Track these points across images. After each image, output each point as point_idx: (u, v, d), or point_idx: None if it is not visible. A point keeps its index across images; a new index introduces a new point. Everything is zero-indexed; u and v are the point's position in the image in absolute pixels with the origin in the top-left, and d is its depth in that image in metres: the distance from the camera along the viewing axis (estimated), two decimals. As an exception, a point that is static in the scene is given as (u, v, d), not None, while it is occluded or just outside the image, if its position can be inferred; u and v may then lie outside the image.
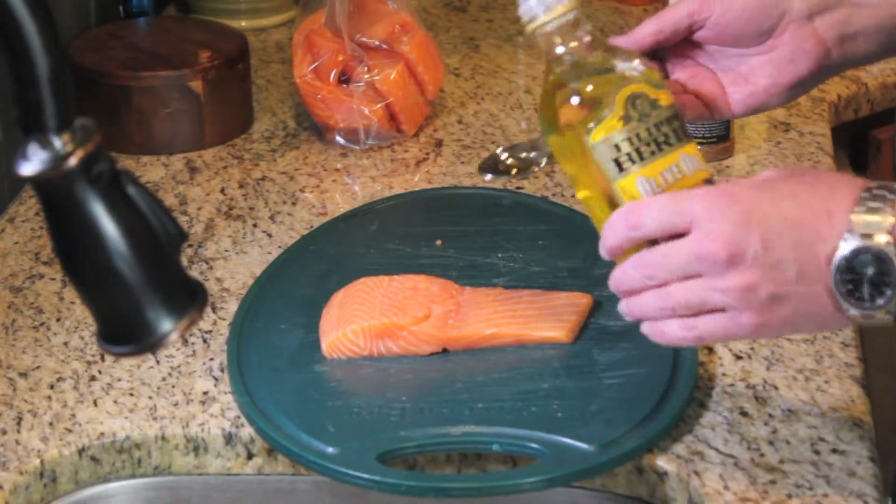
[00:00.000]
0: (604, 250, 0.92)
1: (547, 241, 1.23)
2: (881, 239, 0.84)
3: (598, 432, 0.98)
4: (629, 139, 0.91)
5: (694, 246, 0.87)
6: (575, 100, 0.92)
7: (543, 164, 1.23)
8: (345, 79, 1.45)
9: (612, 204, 0.92)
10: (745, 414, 1.03)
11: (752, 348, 1.10)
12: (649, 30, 1.06)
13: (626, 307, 0.93)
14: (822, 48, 1.05)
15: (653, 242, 0.89)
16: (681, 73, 1.09)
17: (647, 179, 0.91)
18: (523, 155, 1.31)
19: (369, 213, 1.31)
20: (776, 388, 1.05)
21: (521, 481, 0.96)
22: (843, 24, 1.06)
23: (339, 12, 1.44)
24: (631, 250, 0.91)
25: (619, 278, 0.92)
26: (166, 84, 1.44)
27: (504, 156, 1.26)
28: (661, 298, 0.89)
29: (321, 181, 1.40)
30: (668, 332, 0.91)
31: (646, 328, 0.92)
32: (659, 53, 1.08)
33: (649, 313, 0.91)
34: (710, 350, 1.10)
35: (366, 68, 1.44)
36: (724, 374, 1.07)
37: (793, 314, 0.87)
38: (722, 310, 0.88)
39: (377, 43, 1.46)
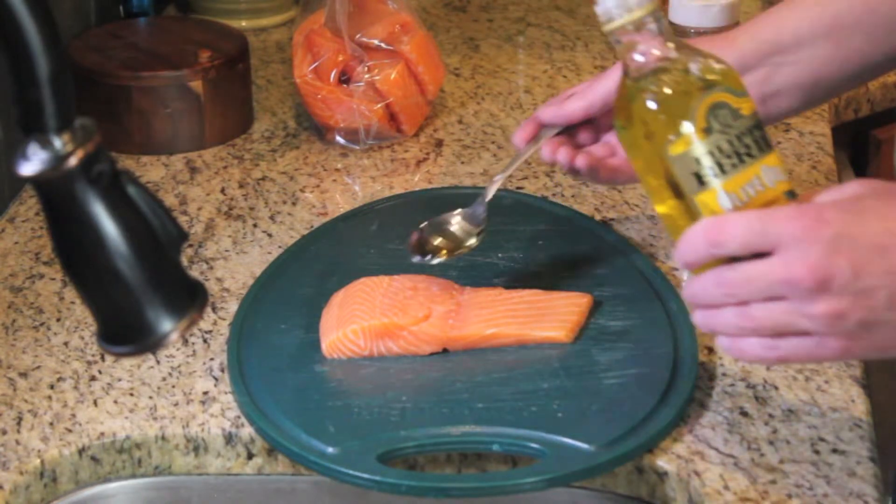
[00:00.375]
0: (681, 263, 0.89)
1: (547, 241, 1.23)
2: None
3: (598, 432, 0.98)
4: (710, 152, 0.87)
5: (779, 270, 0.84)
6: (653, 107, 0.89)
7: (474, 242, 1.15)
8: (345, 79, 1.45)
9: (691, 216, 0.89)
10: (745, 414, 1.03)
11: (752, 348, 1.10)
12: (579, 105, 1.11)
13: (702, 319, 0.90)
14: None
15: (733, 259, 0.86)
16: (612, 135, 1.13)
17: (728, 194, 0.87)
18: (454, 229, 1.15)
19: (369, 213, 1.31)
20: (776, 388, 1.05)
21: (521, 481, 0.96)
22: (766, 83, 1.09)
23: (339, 12, 1.44)
24: (709, 265, 0.88)
25: (697, 292, 0.89)
26: (166, 84, 1.44)
27: (432, 235, 1.15)
28: (741, 317, 0.87)
29: (321, 181, 1.40)
30: (748, 350, 0.88)
31: (723, 342, 0.90)
32: (590, 119, 1.12)
33: (728, 329, 0.88)
34: (710, 350, 1.10)
35: (366, 68, 1.44)
36: (724, 374, 1.07)
37: (881, 340, 0.85)
38: (807, 333, 0.86)
39: (377, 43, 1.46)
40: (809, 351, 0.86)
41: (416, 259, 1.11)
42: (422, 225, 1.14)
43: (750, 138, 0.88)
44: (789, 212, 0.85)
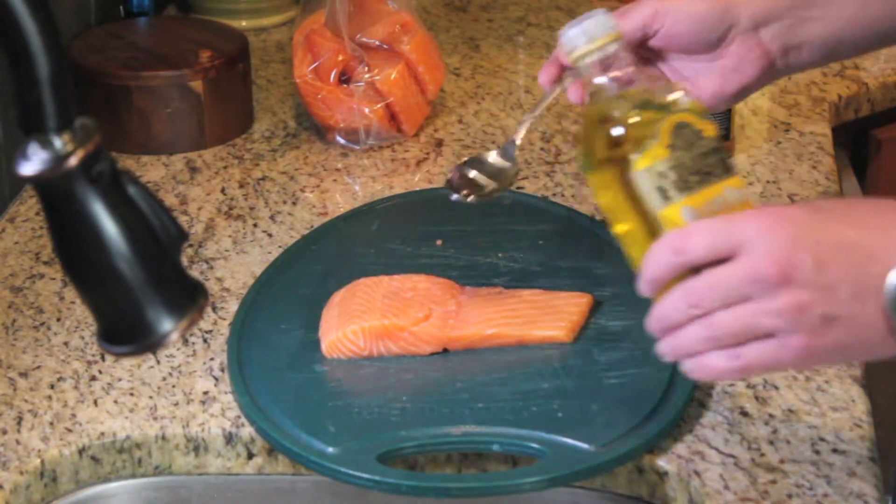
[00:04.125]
0: (644, 283, 0.89)
1: (547, 241, 1.23)
2: None
3: (598, 432, 0.98)
4: (675, 167, 0.88)
5: (744, 267, 0.84)
6: (618, 131, 0.89)
7: (509, 179, 1.12)
8: (345, 79, 1.45)
9: (654, 237, 0.89)
10: (745, 414, 1.03)
11: (752, 348, 1.10)
12: None
13: (668, 345, 0.89)
14: (767, 58, 1.08)
15: (695, 272, 0.86)
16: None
17: (692, 209, 0.87)
18: (493, 160, 1.15)
19: (369, 213, 1.31)
20: (776, 388, 1.05)
21: (521, 481, 0.96)
22: (789, 35, 1.08)
23: (339, 12, 1.44)
24: (670, 284, 0.87)
25: (661, 313, 0.88)
26: (166, 84, 1.44)
27: (472, 172, 1.15)
28: (705, 328, 0.86)
29: (321, 181, 1.41)
30: (713, 364, 0.87)
31: (687, 364, 0.89)
32: None
33: (693, 346, 0.87)
34: (711, 350, 1.10)
35: (366, 68, 1.44)
36: (724, 374, 1.07)
37: (844, 337, 0.84)
38: (771, 335, 0.85)
39: (377, 43, 1.46)
40: (773, 353, 0.85)
41: (455, 197, 1.11)
42: (463, 160, 1.14)
43: (714, 159, 0.89)
44: (753, 212, 0.86)
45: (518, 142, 1.13)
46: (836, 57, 1.13)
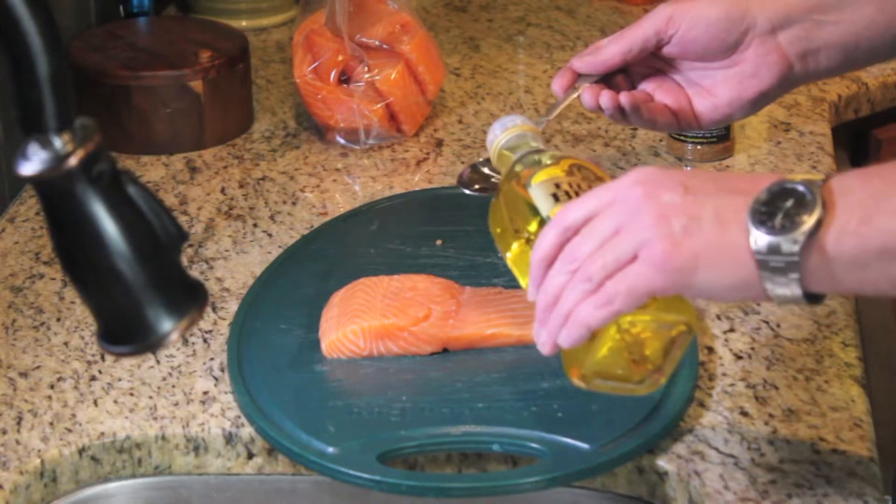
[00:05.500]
0: (533, 266, 0.90)
1: (547, 241, 1.22)
2: (801, 187, 0.82)
3: (598, 432, 0.98)
4: (570, 183, 0.95)
5: (612, 200, 0.86)
6: (519, 167, 1.00)
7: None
8: (345, 79, 1.45)
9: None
10: (745, 414, 1.03)
11: (752, 348, 1.10)
12: (617, 49, 1.09)
13: (541, 322, 0.90)
14: (786, 63, 1.07)
15: None
16: (647, 83, 1.12)
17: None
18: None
19: (369, 213, 1.31)
20: (776, 388, 1.05)
21: (521, 481, 0.96)
22: (807, 39, 1.08)
23: (339, 12, 1.44)
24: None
25: (546, 286, 0.89)
26: (166, 84, 1.44)
27: (486, 168, 1.17)
28: (577, 279, 0.86)
29: (321, 181, 1.41)
30: (583, 314, 0.86)
31: (563, 334, 0.88)
32: (625, 66, 1.11)
33: (568, 305, 0.87)
34: (711, 350, 1.10)
35: (366, 68, 1.44)
36: (724, 374, 1.07)
37: (703, 251, 0.83)
38: (632, 260, 0.85)
39: (377, 43, 1.46)
40: (637, 273, 0.84)
41: (468, 191, 1.14)
42: (478, 161, 1.16)
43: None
44: (628, 175, 0.88)
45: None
46: (854, 64, 1.12)
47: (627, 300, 0.85)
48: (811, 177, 0.82)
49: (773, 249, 0.81)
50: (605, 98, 1.09)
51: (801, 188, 0.82)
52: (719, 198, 0.84)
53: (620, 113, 1.10)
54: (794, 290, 0.82)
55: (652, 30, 1.07)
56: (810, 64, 1.08)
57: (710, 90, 1.09)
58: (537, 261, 0.89)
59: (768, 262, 0.81)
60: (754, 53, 1.07)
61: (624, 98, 1.09)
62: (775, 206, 0.81)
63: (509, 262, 0.99)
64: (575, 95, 1.11)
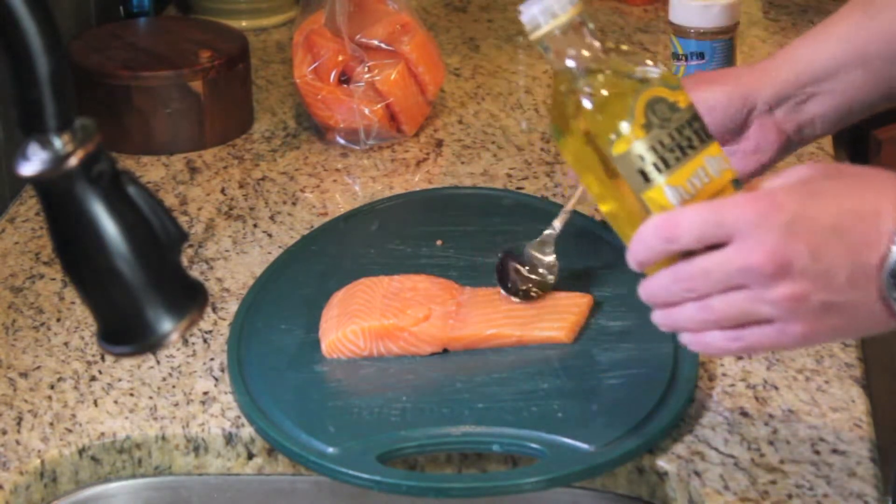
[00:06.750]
0: (633, 263, 0.89)
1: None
2: None
3: (598, 432, 0.98)
4: (653, 147, 0.86)
5: (737, 259, 0.84)
6: (591, 111, 0.87)
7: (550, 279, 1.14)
8: (345, 79, 1.45)
9: (640, 214, 0.88)
10: (745, 414, 1.03)
11: (752, 348, 1.10)
12: None
13: (662, 318, 0.89)
14: (783, 137, 1.12)
15: (688, 252, 0.86)
16: None
17: (674, 188, 0.86)
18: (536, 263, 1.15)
19: (369, 213, 1.31)
20: (776, 388, 1.05)
21: (521, 481, 0.96)
22: (802, 111, 1.11)
23: (339, 12, 1.44)
24: (662, 262, 0.87)
25: (655, 291, 0.89)
26: (166, 84, 1.44)
27: (525, 269, 1.14)
28: (702, 311, 0.86)
29: (321, 181, 1.40)
30: (712, 343, 0.88)
31: (686, 338, 0.89)
32: None
33: (689, 325, 0.88)
34: (711, 350, 1.10)
35: (366, 68, 1.44)
36: (724, 374, 1.07)
37: (842, 321, 0.84)
38: (769, 321, 0.85)
39: (377, 43, 1.46)
40: (773, 338, 0.86)
41: (504, 293, 1.12)
42: (506, 250, 1.15)
43: (690, 130, 0.88)
44: (742, 199, 0.85)
45: (556, 234, 1.16)
46: (850, 121, 1.15)
47: (760, 351, 0.92)
48: None
49: None
50: None
51: None
52: (850, 257, 0.83)
53: None
54: None
55: None
56: (806, 132, 1.12)
57: None
58: (637, 262, 0.88)
59: None
60: (755, 132, 1.11)
61: None
62: None
63: (564, 151, 0.92)
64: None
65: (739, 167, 1.10)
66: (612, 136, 0.87)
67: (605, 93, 0.88)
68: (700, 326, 0.87)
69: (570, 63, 0.89)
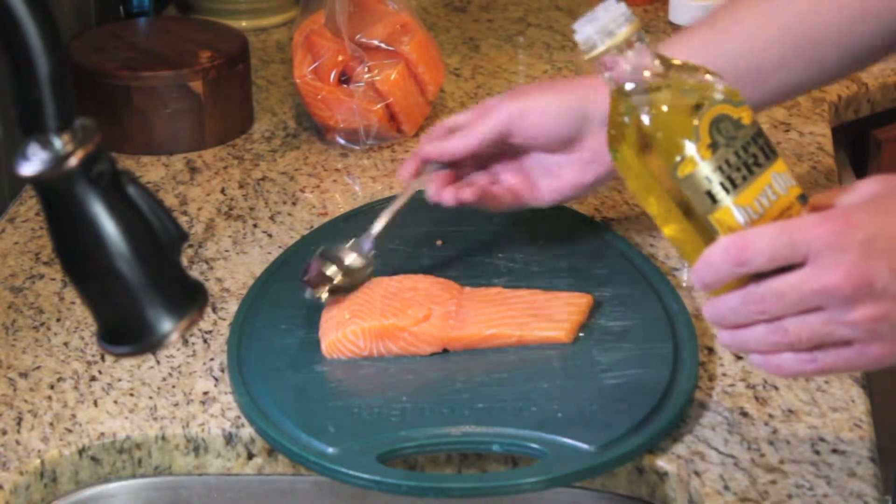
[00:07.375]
0: (700, 285, 0.86)
1: (547, 241, 1.23)
2: None
3: (598, 432, 0.98)
4: (720, 168, 0.84)
5: (814, 280, 0.81)
6: (653, 132, 0.85)
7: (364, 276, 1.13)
8: (345, 79, 1.45)
9: (706, 235, 0.85)
10: (745, 414, 1.03)
11: (752, 348, 1.10)
12: (462, 144, 1.15)
13: (730, 339, 0.87)
14: None
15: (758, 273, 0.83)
16: (495, 164, 1.18)
17: (743, 208, 0.84)
18: (349, 261, 1.13)
19: (369, 213, 1.30)
20: (776, 388, 1.05)
21: (521, 481, 0.96)
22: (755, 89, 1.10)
23: (339, 12, 1.44)
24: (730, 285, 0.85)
25: (722, 312, 0.86)
26: (166, 84, 1.44)
27: (326, 265, 1.12)
28: (775, 333, 0.84)
29: (321, 181, 1.40)
30: (785, 365, 0.86)
31: (756, 360, 0.87)
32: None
33: (761, 347, 0.86)
34: (710, 350, 1.10)
35: (366, 68, 1.44)
36: (724, 374, 1.07)
37: None
38: (846, 342, 0.83)
39: (377, 43, 1.46)
40: (850, 360, 0.84)
41: (308, 294, 1.11)
42: (317, 252, 1.13)
43: (755, 147, 0.85)
44: (816, 219, 0.82)
45: (374, 236, 1.15)
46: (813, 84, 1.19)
47: (835, 371, 0.90)
48: None
49: None
50: (448, 195, 1.15)
51: None
52: None
53: (463, 204, 1.16)
54: None
55: (496, 127, 1.13)
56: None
57: (554, 172, 1.15)
58: (705, 284, 0.86)
59: None
60: (591, 143, 1.13)
61: (467, 193, 1.15)
62: None
63: (617, 162, 0.88)
64: (420, 184, 1.15)
65: (579, 176, 1.14)
66: (678, 158, 0.85)
67: (667, 112, 0.85)
68: (772, 348, 0.85)
69: (629, 84, 0.87)
